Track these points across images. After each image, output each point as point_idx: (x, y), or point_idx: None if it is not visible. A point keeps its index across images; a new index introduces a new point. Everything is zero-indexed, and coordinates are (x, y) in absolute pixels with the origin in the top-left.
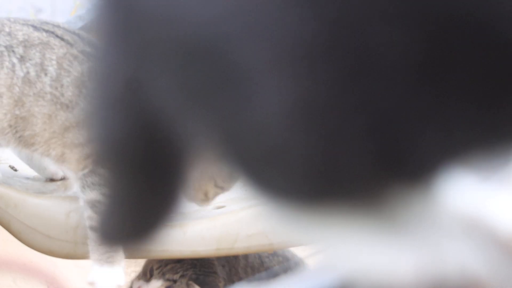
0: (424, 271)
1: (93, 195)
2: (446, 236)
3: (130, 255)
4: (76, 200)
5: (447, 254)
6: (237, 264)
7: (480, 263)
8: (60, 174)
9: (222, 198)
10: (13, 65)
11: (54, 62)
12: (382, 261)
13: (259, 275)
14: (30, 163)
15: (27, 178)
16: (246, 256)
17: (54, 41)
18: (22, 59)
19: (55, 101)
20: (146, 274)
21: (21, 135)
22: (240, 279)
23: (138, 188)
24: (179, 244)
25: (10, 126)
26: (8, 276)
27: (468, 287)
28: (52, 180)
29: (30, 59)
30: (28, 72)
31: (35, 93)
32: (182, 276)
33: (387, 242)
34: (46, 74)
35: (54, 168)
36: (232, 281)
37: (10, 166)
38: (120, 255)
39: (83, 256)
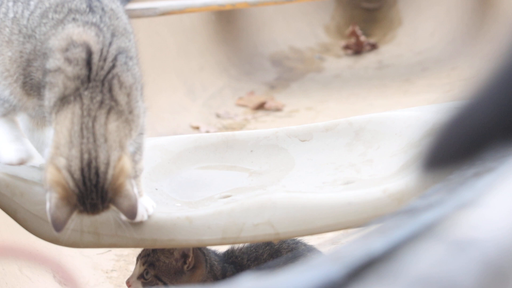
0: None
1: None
2: None
3: (133, 245)
4: None
5: None
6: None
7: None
8: None
9: (228, 188)
10: (8, 9)
11: None
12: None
13: (266, 264)
14: (40, 148)
15: (33, 167)
16: None
17: None
18: None
19: (24, 33)
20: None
21: (22, 80)
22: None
23: None
24: (185, 234)
25: (8, 70)
26: (14, 265)
27: None
28: None
29: None
30: (16, 12)
31: (19, 30)
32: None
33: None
34: (28, 9)
35: None
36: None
37: None
38: None
39: (89, 245)
